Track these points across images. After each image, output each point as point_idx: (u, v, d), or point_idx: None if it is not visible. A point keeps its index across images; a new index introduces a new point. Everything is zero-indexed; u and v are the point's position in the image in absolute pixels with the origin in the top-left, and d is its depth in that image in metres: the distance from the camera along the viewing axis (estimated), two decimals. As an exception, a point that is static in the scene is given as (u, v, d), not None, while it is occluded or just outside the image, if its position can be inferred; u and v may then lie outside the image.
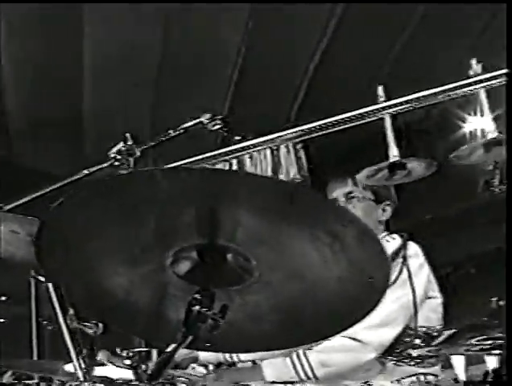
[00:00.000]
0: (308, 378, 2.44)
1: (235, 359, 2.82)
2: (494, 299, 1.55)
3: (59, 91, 5.06)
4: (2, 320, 3.17)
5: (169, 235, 1.47)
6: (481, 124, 1.61)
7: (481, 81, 1.54)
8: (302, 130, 1.87)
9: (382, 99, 1.61)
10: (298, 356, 2.45)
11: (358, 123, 1.64)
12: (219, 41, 4.98)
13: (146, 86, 5.26)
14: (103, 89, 5.19)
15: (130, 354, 1.87)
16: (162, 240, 1.49)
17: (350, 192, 2.82)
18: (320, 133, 1.81)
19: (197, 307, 1.42)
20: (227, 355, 2.80)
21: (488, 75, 1.60)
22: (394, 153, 1.56)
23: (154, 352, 1.85)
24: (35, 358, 3.57)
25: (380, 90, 1.62)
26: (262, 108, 5.32)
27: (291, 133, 1.91)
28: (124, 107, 5.26)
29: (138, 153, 1.97)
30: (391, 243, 2.72)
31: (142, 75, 5.13)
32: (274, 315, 1.54)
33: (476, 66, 1.56)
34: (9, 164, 5.36)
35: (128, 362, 1.87)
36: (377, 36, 4.96)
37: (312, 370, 2.44)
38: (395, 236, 2.76)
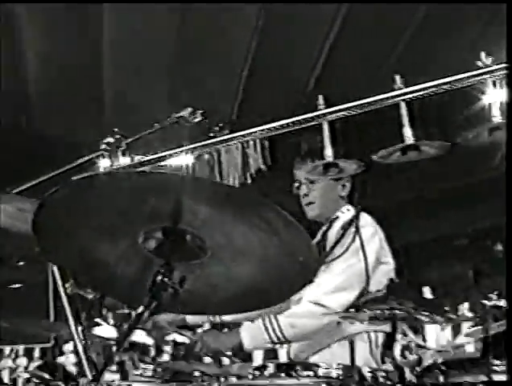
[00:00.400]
0: (278, 338, 2.78)
1: (218, 320, 3.18)
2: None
3: (80, 84, 5.37)
4: (19, 285, 3.48)
5: (142, 218, 1.82)
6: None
7: (404, 94, 1.84)
8: (268, 129, 2.18)
9: (323, 106, 1.91)
10: (270, 321, 2.79)
11: (302, 126, 1.94)
12: (230, 40, 5.20)
13: (163, 80, 5.53)
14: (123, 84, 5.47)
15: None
16: (137, 222, 1.84)
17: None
18: (279, 132, 2.12)
19: (160, 277, 1.77)
20: (211, 317, 3.15)
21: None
22: (328, 154, 1.87)
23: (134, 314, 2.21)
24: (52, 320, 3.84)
25: (320, 99, 1.92)
26: (269, 108, 5.50)
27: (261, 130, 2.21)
28: (143, 99, 5.54)
29: (125, 146, 2.30)
30: (345, 214, 3.00)
31: (159, 69, 5.41)
32: (228, 284, 1.89)
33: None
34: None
35: (112, 322, 2.25)
36: (380, 36, 5.13)
37: (282, 331, 2.78)
38: (349, 207, 3.03)
